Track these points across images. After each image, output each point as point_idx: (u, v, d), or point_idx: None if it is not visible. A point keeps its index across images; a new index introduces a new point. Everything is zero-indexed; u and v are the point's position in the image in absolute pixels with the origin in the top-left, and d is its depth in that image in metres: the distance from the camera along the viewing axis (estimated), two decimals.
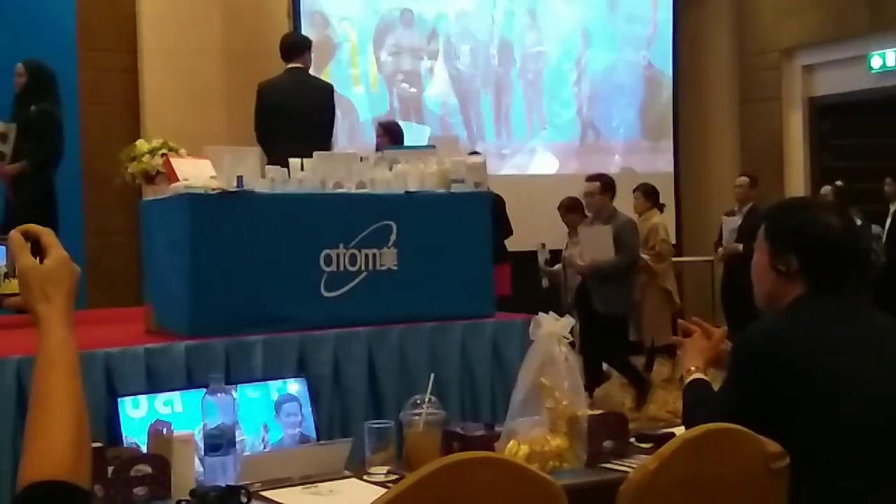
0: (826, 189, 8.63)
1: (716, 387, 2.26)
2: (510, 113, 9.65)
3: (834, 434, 2.01)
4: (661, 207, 8.05)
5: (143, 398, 3.11)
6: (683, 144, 10.42)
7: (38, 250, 1.34)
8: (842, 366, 2.06)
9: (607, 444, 2.24)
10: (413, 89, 9.32)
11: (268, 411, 3.25)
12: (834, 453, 2.00)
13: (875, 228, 8.50)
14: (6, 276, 1.27)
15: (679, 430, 2.29)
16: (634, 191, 8.01)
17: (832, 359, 2.06)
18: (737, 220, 8.36)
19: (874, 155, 9.18)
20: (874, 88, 9.33)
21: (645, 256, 7.48)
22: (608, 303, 6.79)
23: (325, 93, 5.81)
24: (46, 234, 1.33)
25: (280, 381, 3.39)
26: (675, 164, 10.34)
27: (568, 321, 2.04)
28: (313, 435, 3.29)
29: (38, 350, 1.28)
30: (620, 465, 2.21)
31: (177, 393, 3.11)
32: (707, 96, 10.45)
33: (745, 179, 8.61)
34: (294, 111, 5.54)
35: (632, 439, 2.37)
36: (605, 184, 6.97)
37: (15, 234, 1.32)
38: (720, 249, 8.50)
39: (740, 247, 8.05)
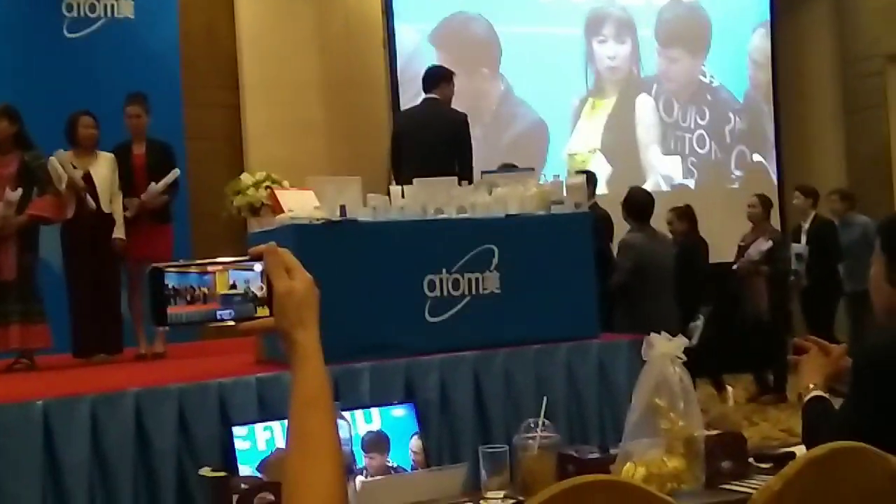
0: None
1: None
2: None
3: None
4: None
5: (257, 426, 3.15)
6: (786, 155, 10.19)
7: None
8: None
9: (725, 464, 2.19)
10: None
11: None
12: None
13: (796, 247, 8.01)
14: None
15: (798, 450, 2.23)
16: None
17: None
18: None
19: None
20: None
21: None
22: None
23: (455, 123, 5.78)
24: (289, 254, 1.21)
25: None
26: (779, 175, 10.11)
27: (681, 341, 2.01)
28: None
29: (296, 380, 1.17)
30: (740, 485, 2.16)
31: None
32: (809, 105, 10.21)
33: None
34: (421, 141, 5.61)
35: (750, 459, 2.31)
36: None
37: (273, 252, 1.20)
38: None
39: None
